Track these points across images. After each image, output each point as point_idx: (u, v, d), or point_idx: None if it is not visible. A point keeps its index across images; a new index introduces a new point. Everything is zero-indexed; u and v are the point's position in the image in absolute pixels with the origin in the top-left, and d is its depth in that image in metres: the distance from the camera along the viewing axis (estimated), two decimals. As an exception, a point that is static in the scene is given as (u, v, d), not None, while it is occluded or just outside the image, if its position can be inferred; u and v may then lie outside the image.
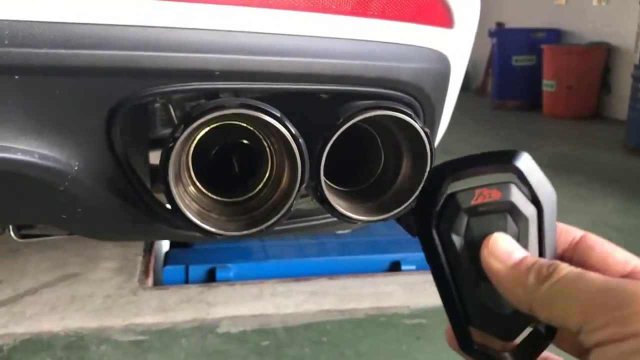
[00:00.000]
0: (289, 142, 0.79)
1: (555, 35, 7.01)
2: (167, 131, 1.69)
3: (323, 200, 0.90)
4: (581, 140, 5.02)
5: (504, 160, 0.47)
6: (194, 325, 1.68)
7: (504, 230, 0.46)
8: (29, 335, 1.61)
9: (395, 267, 2.14)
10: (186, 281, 1.98)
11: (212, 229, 0.81)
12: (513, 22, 7.69)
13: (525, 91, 6.90)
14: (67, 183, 0.77)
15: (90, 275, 1.97)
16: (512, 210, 0.46)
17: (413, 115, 0.87)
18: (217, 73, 0.76)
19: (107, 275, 1.98)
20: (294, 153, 0.80)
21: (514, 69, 7.00)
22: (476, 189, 0.46)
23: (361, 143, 1.01)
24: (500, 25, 7.71)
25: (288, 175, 0.86)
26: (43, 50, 0.66)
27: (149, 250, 2.16)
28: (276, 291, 1.90)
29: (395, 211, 0.94)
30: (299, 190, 0.84)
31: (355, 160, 1.04)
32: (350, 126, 0.87)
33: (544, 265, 0.41)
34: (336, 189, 0.99)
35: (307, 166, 0.82)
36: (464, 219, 0.46)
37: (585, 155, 4.41)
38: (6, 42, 0.64)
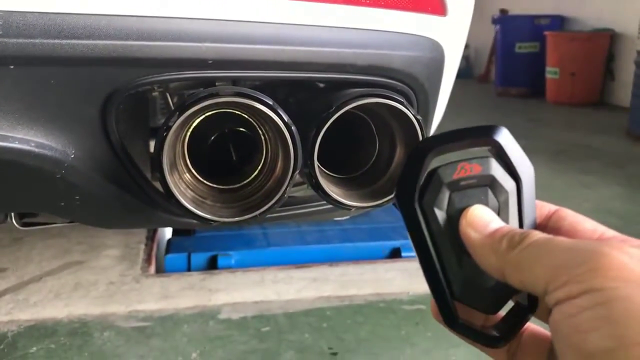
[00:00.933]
0: (281, 130, 0.81)
1: (558, 22, 6.98)
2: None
3: (317, 187, 0.91)
4: (584, 127, 5.01)
5: (484, 135, 0.48)
6: (195, 311, 1.70)
7: (485, 203, 0.47)
8: (34, 321, 1.63)
9: (395, 253, 2.15)
10: (188, 268, 2.00)
11: (207, 216, 0.83)
12: (517, 8, 7.66)
13: (528, 78, 6.88)
14: (63, 171, 0.78)
15: (94, 263, 1.99)
16: (493, 184, 0.47)
17: (405, 102, 0.88)
18: (210, 62, 0.77)
19: (110, 262, 2.00)
20: (286, 141, 0.82)
21: (517, 56, 6.98)
22: (458, 163, 0.47)
23: (356, 130, 1.03)
24: (503, 11, 7.68)
25: (282, 162, 0.87)
26: (37, 41, 0.67)
27: (151, 238, 2.18)
28: (277, 278, 1.91)
29: (389, 197, 0.95)
30: (292, 177, 0.85)
31: (350, 147, 1.05)
32: (345, 113, 0.89)
33: (516, 233, 0.43)
34: (330, 175, 1.01)
35: (300, 153, 0.84)
36: (446, 193, 0.47)
37: (588, 142, 4.40)
38: (0, 32, 0.66)
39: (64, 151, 0.77)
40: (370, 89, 0.90)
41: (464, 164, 0.47)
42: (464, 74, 7.97)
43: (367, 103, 0.87)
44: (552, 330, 0.38)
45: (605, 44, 6.15)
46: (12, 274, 1.91)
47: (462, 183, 0.47)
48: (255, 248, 2.09)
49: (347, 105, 0.86)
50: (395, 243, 2.17)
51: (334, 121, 0.87)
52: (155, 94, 1.19)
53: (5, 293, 1.78)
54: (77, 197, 0.86)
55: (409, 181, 0.47)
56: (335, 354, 1.52)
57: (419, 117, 0.89)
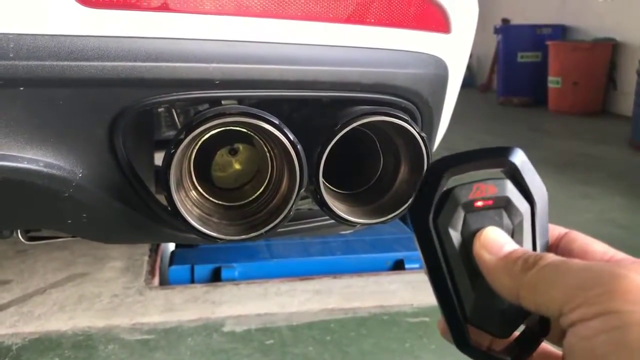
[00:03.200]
0: (287, 149, 0.82)
1: (560, 32, 6.99)
2: (171, 132, 1.71)
3: (322, 204, 0.92)
4: (587, 137, 5.01)
5: (500, 156, 0.48)
6: (199, 324, 1.71)
7: (500, 225, 0.47)
8: (38, 334, 1.63)
9: (398, 265, 2.15)
10: (192, 281, 2.00)
11: (213, 234, 0.83)
12: (519, 18, 7.68)
13: (530, 88, 6.89)
14: (71, 190, 0.79)
15: (98, 275, 2.00)
16: (508, 205, 0.47)
17: (410, 120, 0.89)
18: (217, 82, 0.78)
19: (114, 275, 2.00)
20: (292, 159, 0.82)
21: (519, 66, 6.99)
22: (473, 184, 0.47)
23: (361, 146, 1.03)
24: (505, 21, 7.70)
25: (287, 180, 0.88)
26: (47, 63, 0.68)
27: (155, 250, 2.18)
28: (280, 290, 1.92)
29: (393, 214, 0.96)
30: (298, 195, 0.86)
31: (355, 163, 1.06)
32: (350, 130, 0.89)
33: (531, 255, 0.42)
34: (335, 191, 1.01)
35: (306, 171, 0.84)
36: (461, 214, 0.46)
37: (591, 151, 4.40)
38: (11, 55, 0.67)
39: (72, 170, 0.78)
40: (374, 106, 0.91)
41: (479, 185, 0.47)
42: (466, 83, 7.91)
43: (373, 121, 0.87)
44: (566, 353, 0.38)
45: (608, 53, 6.16)
46: (16, 287, 1.91)
47: (477, 204, 0.47)
48: (258, 260, 2.09)
49: (351, 124, 0.87)
50: (399, 255, 2.17)
51: (338, 138, 0.88)
52: (160, 109, 1.20)
53: (10, 305, 1.78)
54: (84, 215, 0.87)
55: (424, 200, 0.47)
56: (339, 367, 1.52)
57: (423, 134, 0.89)
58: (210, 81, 0.78)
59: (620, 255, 0.45)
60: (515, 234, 0.47)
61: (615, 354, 0.34)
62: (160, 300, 1.83)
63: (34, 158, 0.74)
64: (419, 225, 0.47)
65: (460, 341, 0.47)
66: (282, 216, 0.86)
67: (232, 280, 1.99)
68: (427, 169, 0.49)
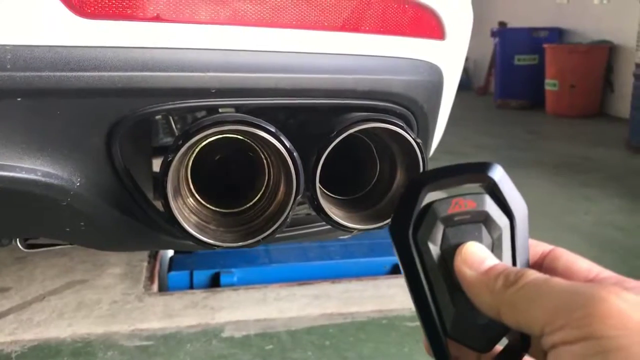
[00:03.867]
0: (284, 156, 0.82)
1: (557, 35, 7.02)
2: (169, 139, 1.72)
3: (319, 210, 0.92)
4: (584, 139, 5.03)
5: (478, 172, 0.49)
6: (198, 330, 1.71)
7: (479, 240, 0.47)
8: (37, 341, 1.64)
9: (397, 269, 2.16)
10: (191, 286, 2.01)
11: (210, 241, 0.84)
12: (515, 21, 7.70)
13: (528, 90, 6.91)
14: (69, 199, 0.80)
15: (97, 282, 2.00)
16: (487, 220, 0.48)
17: (405, 126, 0.89)
18: (213, 91, 0.79)
19: (113, 281, 2.01)
20: (289, 166, 0.83)
21: (516, 69, 7.01)
22: (452, 199, 0.47)
23: (357, 152, 1.04)
24: (502, 24, 7.72)
25: (284, 186, 0.88)
26: (44, 73, 0.69)
27: (153, 256, 2.19)
28: (279, 295, 1.92)
29: (390, 219, 0.96)
30: (295, 202, 0.86)
31: (352, 169, 1.06)
32: (346, 137, 0.90)
33: (512, 271, 0.42)
34: (332, 197, 1.02)
35: (302, 178, 0.85)
36: (440, 228, 0.47)
37: (588, 154, 4.42)
38: (8, 66, 0.67)
39: (69, 179, 0.78)
40: (370, 113, 0.91)
41: (458, 200, 0.47)
42: (463, 86, 7.97)
43: (368, 128, 0.88)
44: None
45: (604, 56, 6.19)
46: (15, 294, 1.91)
47: (457, 218, 0.47)
48: (257, 265, 2.10)
49: (347, 131, 0.87)
50: (397, 259, 2.17)
51: (335, 144, 0.89)
52: (158, 117, 1.20)
53: (9, 313, 1.79)
54: (83, 223, 0.87)
55: (403, 214, 0.47)
56: (338, 372, 1.53)
57: (418, 140, 0.90)
58: (206, 90, 0.78)
59: (605, 273, 0.45)
60: (494, 248, 0.48)
61: None
62: (159, 306, 1.84)
63: (31, 167, 0.75)
64: (399, 240, 0.47)
65: (440, 356, 0.47)
66: (279, 223, 0.87)
67: (231, 285, 2.00)
68: (406, 184, 0.49)
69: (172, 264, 2.11)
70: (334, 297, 1.92)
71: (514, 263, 0.48)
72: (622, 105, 5.78)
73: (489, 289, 0.42)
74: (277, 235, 0.92)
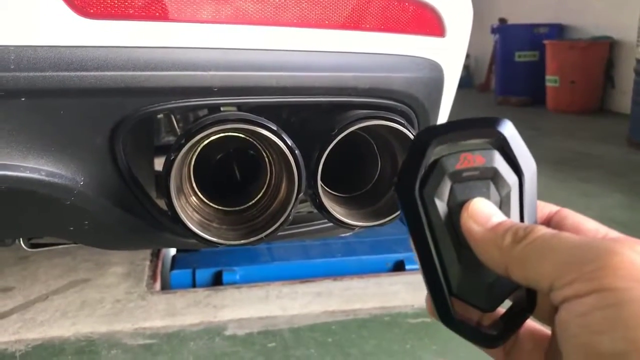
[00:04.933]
0: (285, 154, 0.83)
1: (557, 30, 7.01)
2: (171, 138, 1.72)
3: (321, 207, 0.93)
4: (585, 135, 5.02)
5: (488, 126, 0.47)
6: (201, 328, 1.72)
7: (487, 196, 0.46)
8: (41, 340, 1.64)
9: (399, 266, 2.16)
10: (193, 285, 2.01)
11: (213, 239, 0.84)
12: (516, 17, 7.69)
13: (528, 87, 6.90)
14: (73, 198, 0.80)
15: (100, 281, 2.01)
16: (495, 177, 0.46)
17: (406, 123, 0.90)
18: (215, 89, 0.79)
19: (116, 280, 2.01)
20: (290, 164, 0.83)
21: (517, 65, 7.01)
22: (460, 154, 0.45)
23: (359, 150, 1.04)
24: (502, 21, 7.72)
25: (286, 184, 0.89)
26: (47, 73, 0.69)
27: (156, 254, 2.19)
28: (282, 293, 1.93)
29: (392, 216, 0.97)
30: (296, 199, 0.87)
31: (354, 166, 1.07)
32: (348, 134, 0.90)
33: (520, 227, 0.41)
34: (334, 194, 1.02)
35: (304, 176, 0.85)
36: (447, 184, 0.45)
37: (589, 150, 4.41)
38: (12, 66, 0.68)
39: (73, 178, 0.79)
40: (371, 110, 0.92)
41: (466, 155, 0.45)
42: (464, 83, 8.00)
43: (369, 125, 0.88)
44: (559, 329, 0.37)
45: (605, 51, 6.18)
46: (18, 293, 1.92)
47: (465, 174, 0.45)
48: (259, 263, 2.10)
49: (348, 128, 0.88)
50: (399, 256, 2.18)
51: (336, 142, 0.89)
52: (160, 115, 1.21)
53: (13, 312, 1.79)
54: (86, 222, 0.88)
55: (410, 170, 0.45)
56: (340, 369, 1.53)
57: (419, 137, 0.90)
58: (208, 89, 0.79)
59: (613, 233, 0.44)
60: (503, 205, 0.46)
61: (611, 331, 0.33)
62: (162, 304, 1.84)
63: (36, 167, 0.75)
64: (405, 196, 0.45)
65: (445, 315, 0.45)
66: (281, 220, 0.87)
67: (233, 283, 2.00)
68: (413, 139, 0.47)
69: (175, 262, 2.11)
70: (336, 295, 1.92)
71: (522, 221, 0.46)
72: (623, 101, 5.78)
73: (497, 245, 0.41)
74: (279, 233, 0.92)
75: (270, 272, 2.07)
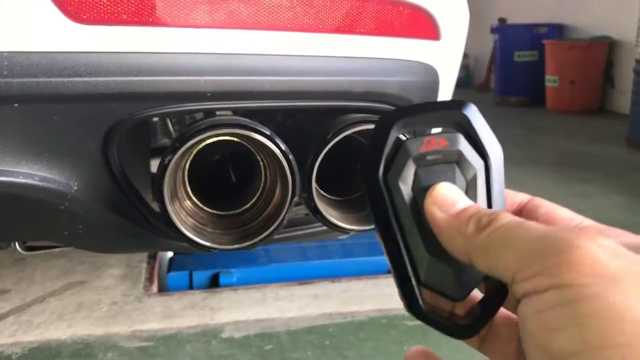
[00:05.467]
0: (279, 159, 0.83)
1: (556, 30, 7.01)
2: (168, 140, 1.72)
3: (315, 211, 0.93)
4: (584, 136, 5.03)
5: (452, 109, 0.46)
6: (198, 330, 1.72)
7: (452, 181, 0.44)
8: (37, 343, 1.64)
9: (397, 268, 2.16)
10: (190, 287, 2.02)
11: (207, 243, 0.84)
12: (515, 17, 7.69)
13: (528, 87, 6.91)
14: (67, 202, 0.80)
15: (96, 283, 2.01)
16: (460, 160, 0.45)
17: (400, 128, 0.90)
18: (208, 94, 0.79)
19: (113, 282, 2.01)
20: (284, 169, 0.83)
21: (516, 65, 7.01)
22: (424, 137, 0.44)
23: (354, 153, 1.04)
24: (502, 21, 7.72)
25: (280, 189, 0.89)
26: (40, 79, 0.69)
27: (153, 257, 2.19)
28: (279, 295, 1.93)
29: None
30: (290, 204, 0.87)
31: (348, 169, 1.07)
32: (343, 137, 0.90)
33: (485, 214, 0.39)
34: (329, 198, 1.02)
35: (298, 181, 0.85)
36: (412, 168, 0.43)
37: (588, 150, 4.41)
38: (5, 72, 0.67)
39: (67, 183, 0.79)
40: (366, 115, 0.91)
41: (430, 138, 0.44)
42: (463, 83, 8.00)
43: (363, 130, 0.88)
44: (520, 324, 0.35)
45: (604, 51, 6.18)
46: (15, 296, 1.92)
47: (429, 158, 0.44)
48: (257, 265, 2.10)
49: (342, 132, 0.87)
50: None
51: (330, 146, 0.89)
52: (155, 118, 1.21)
53: (9, 315, 1.79)
54: (80, 226, 0.88)
55: (373, 154, 0.44)
56: (337, 371, 1.53)
57: (414, 141, 0.90)
58: (201, 94, 0.79)
59: (587, 222, 0.43)
60: (469, 191, 0.44)
61: (567, 328, 0.32)
62: (159, 307, 1.84)
63: (29, 172, 0.75)
64: (369, 181, 0.44)
65: (413, 306, 0.43)
66: (275, 225, 0.87)
67: (230, 285, 2.00)
68: (376, 122, 0.46)
69: (172, 264, 2.11)
70: (333, 297, 1.92)
71: (490, 206, 0.45)
72: (623, 101, 5.78)
73: (461, 232, 0.39)
74: (275, 237, 0.92)
75: (268, 274, 2.08)
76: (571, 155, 4.25)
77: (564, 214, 0.44)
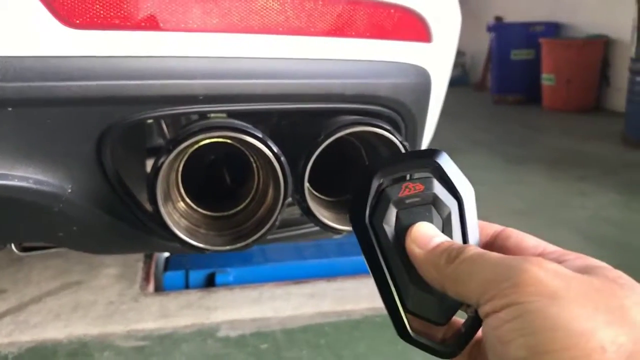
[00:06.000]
0: (271, 161, 0.83)
1: (553, 29, 7.02)
2: (163, 140, 1.73)
3: (308, 212, 0.94)
4: (581, 134, 5.03)
5: (424, 157, 0.53)
6: (194, 329, 1.72)
7: (429, 220, 0.51)
8: (34, 343, 1.65)
9: (392, 267, 2.17)
10: (186, 286, 2.02)
11: (200, 245, 0.85)
12: (512, 16, 7.70)
13: (524, 85, 6.91)
14: (61, 205, 0.81)
15: (93, 283, 2.01)
16: (435, 201, 0.51)
17: (392, 130, 0.91)
18: (201, 97, 0.80)
19: (109, 282, 2.02)
20: (276, 171, 0.84)
21: (513, 63, 7.01)
22: (403, 183, 0.51)
23: (347, 154, 1.05)
24: (498, 19, 7.72)
25: (272, 190, 0.90)
26: (34, 84, 0.70)
27: (149, 256, 2.20)
28: (275, 294, 1.93)
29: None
30: (283, 206, 0.88)
31: (341, 170, 1.08)
32: (335, 139, 0.91)
33: (454, 248, 0.46)
34: (321, 198, 1.03)
35: (290, 183, 0.86)
36: (393, 211, 0.50)
37: (585, 148, 4.42)
38: (-1, 77, 0.68)
39: (61, 186, 0.80)
40: (358, 117, 0.92)
41: (407, 184, 0.51)
42: (460, 81, 8.01)
43: (355, 132, 0.89)
44: (484, 341, 0.42)
45: (600, 50, 6.19)
46: (11, 295, 1.93)
47: (407, 201, 0.51)
48: (253, 264, 2.11)
49: (334, 134, 0.88)
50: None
51: (322, 148, 0.90)
52: (149, 120, 1.21)
53: (6, 315, 1.80)
54: (75, 228, 0.88)
55: (359, 201, 0.51)
56: (332, 370, 1.54)
57: (405, 143, 0.91)
58: (194, 97, 0.80)
59: (550, 248, 0.48)
60: (445, 227, 0.51)
61: (516, 339, 0.37)
62: (155, 306, 1.85)
63: (23, 175, 0.76)
64: (357, 223, 0.51)
65: (402, 331, 0.49)
66: (267, 226, 0.88)
67: (226, 285, 2.01)
68: (360, 172, 0.53)
69: (168, 264, 2.12)
70: (329, 296, 1.93)
71: (465, 241, 0.51)
72: (619, 100, 5.79)
73: (434, 265, 0.46)
74: (269, 237, 0.93)
75: (264, 273, 2.08)
76: (567, 153, 4.26)
77: (531, 243, 0.50)
